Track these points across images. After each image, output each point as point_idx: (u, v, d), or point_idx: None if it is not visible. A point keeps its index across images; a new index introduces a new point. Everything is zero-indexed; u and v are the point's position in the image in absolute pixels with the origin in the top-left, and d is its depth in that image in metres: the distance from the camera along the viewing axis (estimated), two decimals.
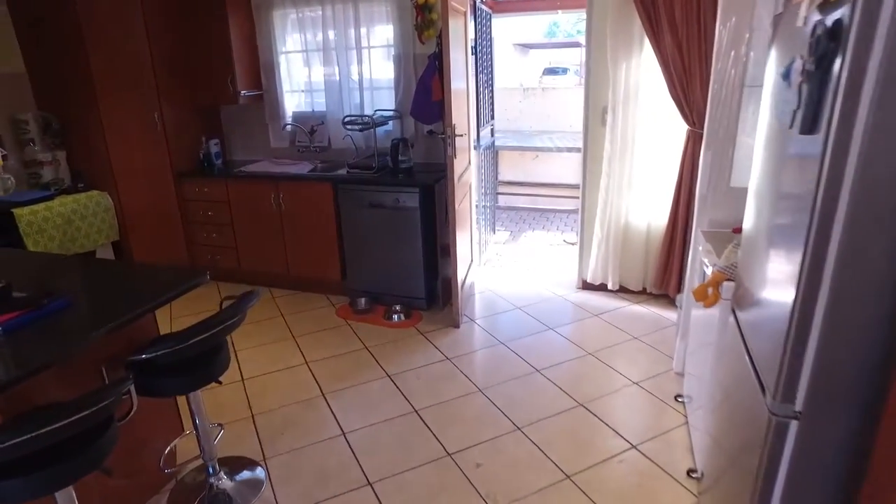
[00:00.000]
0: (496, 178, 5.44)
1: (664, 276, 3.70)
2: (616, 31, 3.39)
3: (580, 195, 3.92)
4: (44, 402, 1.71)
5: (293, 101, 4.44)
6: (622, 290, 3.93)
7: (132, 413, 1.85)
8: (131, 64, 3.87)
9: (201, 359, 2.03)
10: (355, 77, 4.08)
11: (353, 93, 4.14)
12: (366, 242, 3.81)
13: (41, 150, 3.91)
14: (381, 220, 3.70)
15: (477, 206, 4.48)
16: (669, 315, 3.59)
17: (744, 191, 2.49)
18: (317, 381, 3.03)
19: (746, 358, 1.55)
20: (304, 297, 4.16)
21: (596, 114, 3.69)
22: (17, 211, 3.47)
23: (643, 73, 3.44)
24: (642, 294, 3.89)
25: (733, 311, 1.76)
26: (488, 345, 3.36)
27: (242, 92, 4.10)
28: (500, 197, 5.94)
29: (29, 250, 2.62)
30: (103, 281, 2.11)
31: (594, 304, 3.82)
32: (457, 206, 3.39)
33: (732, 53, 2.22)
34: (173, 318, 3.88)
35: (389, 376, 3.05)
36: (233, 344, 3.49)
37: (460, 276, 3.56)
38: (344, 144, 4.19)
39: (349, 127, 3.84)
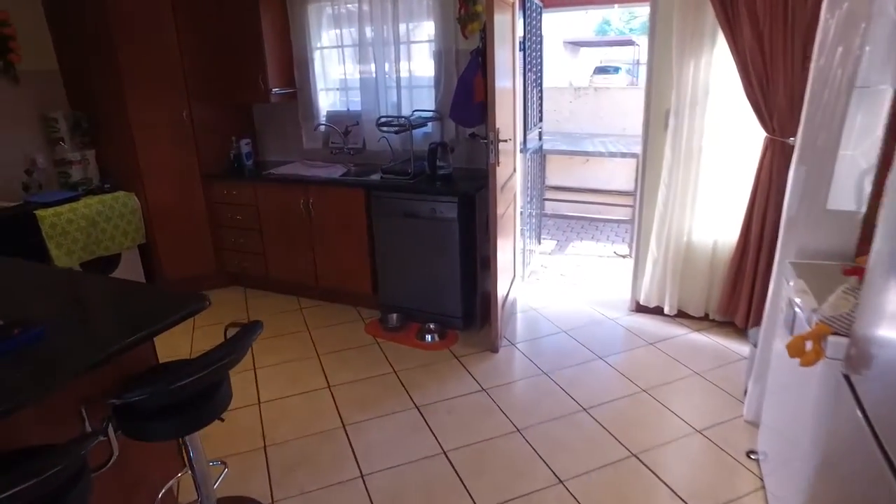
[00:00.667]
0: (543, 184, 5.07)
1: (731, 303, 3.27)
2: (683, 25, 2.98)
3: (636, 206, 3.54)
4: (15, 445, 1.49)
5: (327, 100, 4.19)
6: (681, 315, 3.52)
7: (113, 460, 1.61)
8: (160, 60, 3.70)
9: (197, 398, 1.77)
10: (393, 75, 3.80)
11: (391, 91, 3.85)
12: (399, 254, 3.53)
13: (70, 149, 3.79)
14: (416, 231, 3.41)
15: (521, 212, 4.14)
16: (737, 347, 3.16)
17: (845, 215, 2.09)
18: (338, 410, 2.76)
19: (871, 438, 1.18)
20: (333, 309, 3.91)
21: (657, 117, 3.29)
22: (39, 213, 3.35)
23: (714, 72, 3.02)
24: (704, 321, 3.46)
25: (846, 378, 1.38)
26: (529, 374, 3.01)
27: (274, 90, 3.87)
28: (546, 203, 5.56)
29: (22, 260, 2.44)
30: (91, 304, 1.87)
31: (649, 330, 3.42)
32: (499, 217, 3.06)
33: (840, 48, 1.81)
34: (196, 326, 3.69)
35: (418, 407, 2.75)
36: (253, 359, 3.27)
37: (501, 294, 3.23)
38: (379, 147, 3.91)
39: (384, 129, 3.56)
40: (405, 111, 3.85)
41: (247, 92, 3.91)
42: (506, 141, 2.98)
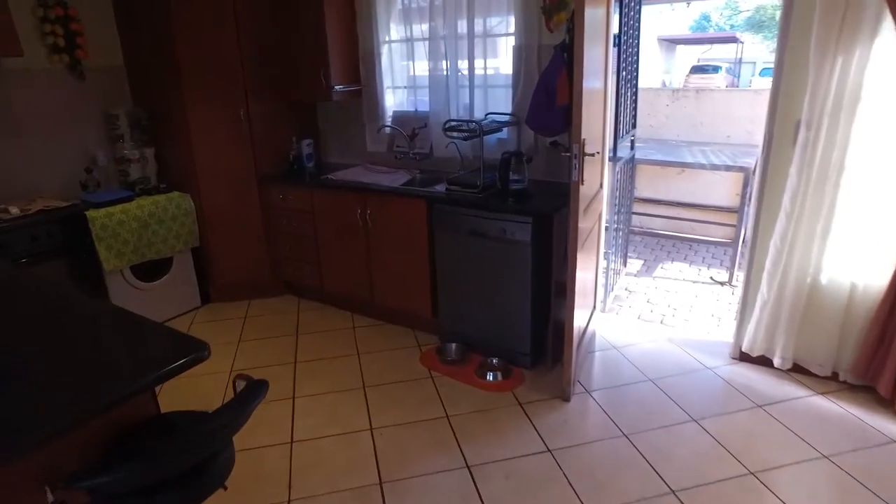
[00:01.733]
0: (632, 196, 4.49)
1: (873, 363, 2.61)
2: (832, 13, 2.35)
3: (741, 229, 2.92)
4: None
5: (394, 99, 3.83)
6: (798, 370, 2.88)
7: None
8: (218, 55, 3.48)
9: (190, 471, 1.44)
10: (466, 72, 3.38)
11: (463, 91, 3.44)
12: (462, 277, 3.11)
13: (130, 146, 3.65)
14: (483, 252, 2.98)
15: (607, 227, 3.60)
16: (882, 424, 2.49)
17: None
18: (377, 461, 2.39)
19: None
20: (389, 331, 3.55)
21: (784, 129, 2.67)
22: (90, 214, 3.21)
23: (870, 72, 2.38)
24: (832, 381, 2.81)
25: None
26: (605, 435, 2.51)
27: (336, 87, 3.55)
28: (633, 216, 4.96)
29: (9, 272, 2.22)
30: (72, 343, 1.55)
31: (757, 388, 2.81)
32: (580, 244, 2.58)
33: None
34: (242, 339, 3.45)
35: (469, 467, 2.33)
36: (294, 385, 2.96)
37: (577, 330, 2.74)
38: (448, 153, 3.51)
39: (451, 134, 3.14)
40: (478, 114, 3.42)
41: (307, 89, 3.62)
42: (593, 155, 2.49)
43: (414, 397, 2.83)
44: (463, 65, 3.37)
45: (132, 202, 3.40)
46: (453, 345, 3.21)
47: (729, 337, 3.14)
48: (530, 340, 3.01)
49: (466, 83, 3.40)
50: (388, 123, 3.79)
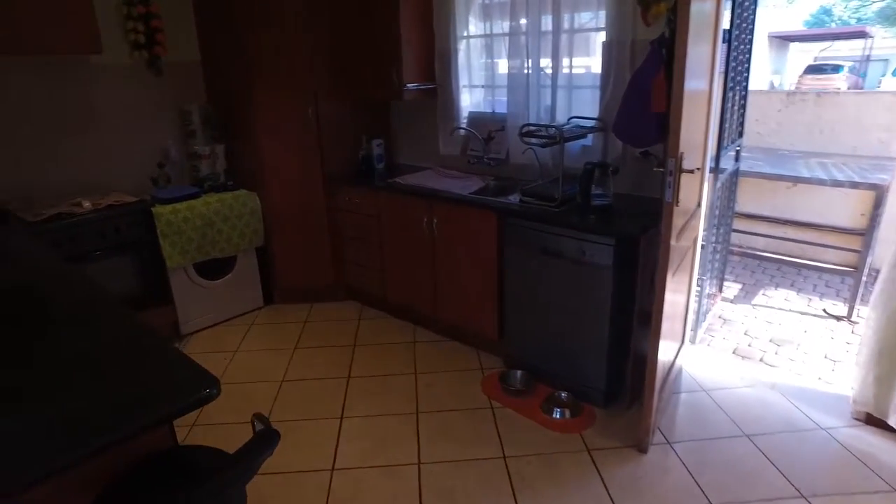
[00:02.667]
0: (732, 212, 3.98)
1: None
2: None
3: (866, 255, 2.41)
4: None
5: (471, 99, 3.57)
6: None
7: None
8: (288, 50, 3.35)
9: None
10: (549, 71, 3.05)
11: (544, 92, 3.11)
12: (533, 298, 2.80)
13: (201, 143, 3.62)
14: (557, 273, 2.66)
15: (702, 246, 3.16)
16: None
17: None
18: (421, 502, 2.14)
19: None
20: (451, 349, 3.30)
21: None
22: (156, 210, 3.18)
23: None
24: None
25: None
26: (687, 502, 2.13)
27: (408, 85, 3.33)
28: (732, 234, 4.42)
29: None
30: (69, 369, 1.40)
31: (889, 463, 2.30)
32: (671, 272, 2.20)
33: None
34: (298, 346, 3.32)
35: None
36: (344, 404, 2.78)
37: (661, 367, 2.37)
38: (525, 159, 3.20)
39: (528, 140, 2.83)
40: (560, 117, 3.08)
41: (378, 87, 3.42)
42: (692, 172, 2.10)
43: (470, 430, 2.56)
44: (546, 63, 3.05)
45: (198, 199, 3.35)
46: (518, 372, 2.91)
47: (849, 389, 2.64)
48: (605, 375, 2.66)
49: (549, 83, 3.07)
50: (463, 125, 3.53)
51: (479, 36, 3.36)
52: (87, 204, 3.05)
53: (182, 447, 1.55)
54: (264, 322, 3.68)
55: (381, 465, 2.35)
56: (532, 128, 2.83)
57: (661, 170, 2.00)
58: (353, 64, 3.47)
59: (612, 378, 2.69)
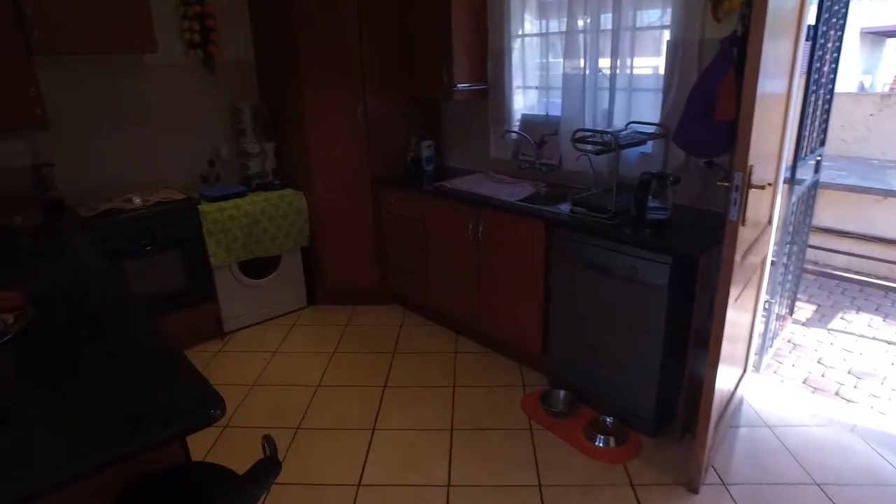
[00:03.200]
0: (809, 227, 3.63)
1: None
2: None
3: None
4: None
5: (524, 101, 3.40)
6: None
7: None
8: (337, 48, 3.30)
9: None
10: (607, 72, 2.85)
11: (602, 95, 2.91)
12: (580, 315, 2.62)
13: (251, 141, 3.63)
14: (607, 291, 2.47)
15: (773, 262, 2.87)
16: None
17: None
18: None
19: None
20: (493, 361, 3.16)
21: None
22: (203, 207, 3.20)
23: None
24: None
25: None
26: None
27: (459, 85, 3.20)
28: (808, 249, 4.05)
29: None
30: (73, 378, 1.34)
31: None
32: (734, 296, 1.98)
33: None
34: (338, 350, 3.27)
35: None
36: (377, 415, 2.69)
37: (719, 398, 2.15)
38: (579, 166, 3.01)
39: (581, 146, 2.65)
40: (618, 121, 2.88)
41: (427, 86, 3.31)
42: (762, 188, 1.87)
43: (506, 453, 2.41)
44: (605, 63, 2.85)
45: (244, 198, 3.35)
46: (561, 392, 2.74)
47: None
48: (655, 402, 2.45)
49: (607, 85, 2.87)
50: (515, 128, 3.38)
51: (535, 34, 3.19)
52: (137, 200, 3.09)
53: (192, 464, 1.49)
54: (306, 323, 3.65)
55: (409, 483, 2.25)
56: (586, 133, 2.64)
57: (726, 184, 1.79)
58: (404, 62, 3.38)
59: (662, 405, 2.47)
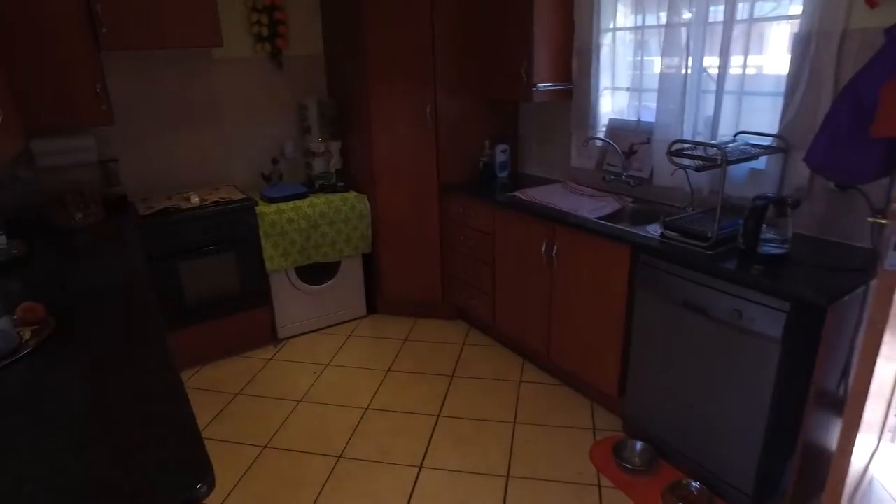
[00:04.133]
0: None
1: None
2: None
3: None
4: None
5: (613, 104, 3.01)
6: None
7: None
8: (409, 44, 3.05)
9: None
10: (714, 72, 2.42)
11: (706, 98, 2.48)
12: (666, 358, 2.24)
13: (316, 139, 3.47)
14: (703, 336, 2.07)
15: None
16: None
17: None
18: None
19: None
20: (561, 395, 2.81)
21: None
22: (260, 209, 3.07)
23: None
24: None
25: None
26: None
27: (539, 85, 2.87)
28: None
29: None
30: (51, 424, 1.15)
31: None
32: (883, 359, 1.54)
33: None
34: (392, 369, 3.04)
35: None
36: (427, 449, 2.43)
37: (850, 476, 1.71)
38: (673, 181, 2.60)
39: (679, 159, 2.25)
40: (725, 130, 2.44)
41: (504, 86, 3.00)
42: None
43: None
44: (711, 62, 2.42)
45: (304, 200, 3.19)
46: (639, 443, 2.36)
47: None
48: (756, 471, 2.02)
49: (713, 87, 2.44)
50: (600, 135, 3.00)
51: (628, 28, 2.80)
52: (195, 198, 3.00)
53: None
54: (363, 334, 3.45)
55: None
56: (684, 146, 2.24)
57: (881, 221, 1.36)
58: (478, 59, 3.09)
59: (764, 476, 2.04)
